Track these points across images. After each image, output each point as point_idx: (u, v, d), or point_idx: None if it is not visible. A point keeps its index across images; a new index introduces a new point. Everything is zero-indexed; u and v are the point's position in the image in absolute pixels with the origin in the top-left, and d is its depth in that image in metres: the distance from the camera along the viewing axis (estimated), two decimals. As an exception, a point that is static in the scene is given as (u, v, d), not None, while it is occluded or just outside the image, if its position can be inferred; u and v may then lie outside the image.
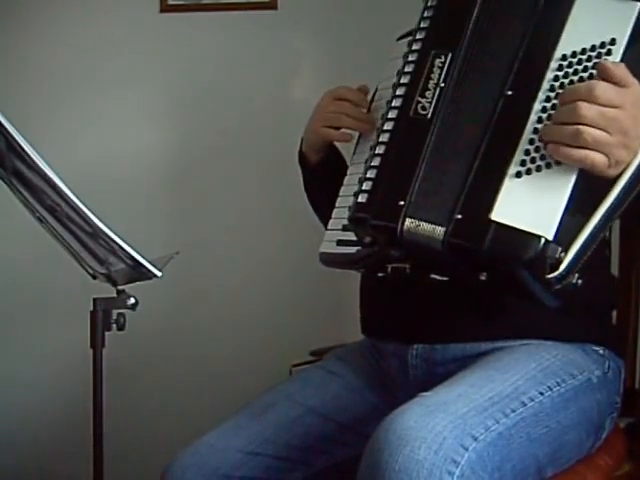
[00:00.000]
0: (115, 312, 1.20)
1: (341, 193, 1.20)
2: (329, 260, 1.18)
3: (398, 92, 1.07)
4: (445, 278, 1.06)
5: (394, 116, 1.06)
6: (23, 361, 2.05)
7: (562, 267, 0.91)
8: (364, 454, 0.92)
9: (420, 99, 1.04)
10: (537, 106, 0.95)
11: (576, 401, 1.07)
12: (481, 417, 0.95)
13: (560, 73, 0.95)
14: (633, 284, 1.37)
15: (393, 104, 1.07)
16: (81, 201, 1.08)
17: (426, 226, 0.98)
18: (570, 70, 0.94)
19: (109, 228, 1.10)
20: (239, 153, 2.04)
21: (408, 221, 1.00)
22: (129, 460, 1.93)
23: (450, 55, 1.03)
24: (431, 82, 1.04)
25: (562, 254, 0.91)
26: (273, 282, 2.05)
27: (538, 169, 0.93)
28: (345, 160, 1.33)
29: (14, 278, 2.02)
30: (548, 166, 0.93)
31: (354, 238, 1.09)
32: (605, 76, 0.89)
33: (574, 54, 0.94)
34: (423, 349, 1.19)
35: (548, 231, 0.90)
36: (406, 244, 1.01)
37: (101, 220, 1.09)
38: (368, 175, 1.05)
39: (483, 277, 0.97)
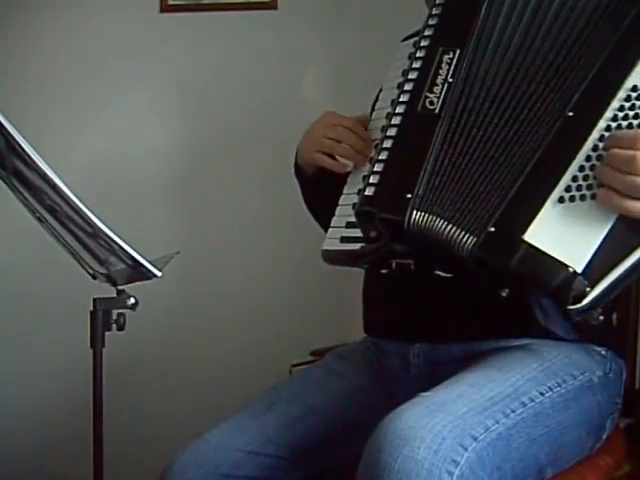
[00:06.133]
0: (115, 312, 1.19)
1: (345, 191, 1.17)
2: (332, 257, 1.15)
3: (406, 87, 1.06)
4: (449, 275, 1.05)
5: (401, 111, 1.05)
6: (23, 361, 2.05)
7: (585, 301, 0.90)
8: (363, 454, 0.92)
9: (428, 94, 1.03)
10: (595, 133, 0.92)
11: (577, 402, 1.07)
12: (481, 417, 0.95)
13: (627, 104, 0.92)
14: (633, 285, 1.37)
15: (401, 99, 1.06)
16: (81, 201, 1.08)
17: (449, 227, 0.97)
18: (638, 103, 0.92)
19: (109, 228, 1.10)
20: (238, 153, 2.04)
21: (418, 214, 0.99)
22: (129, 460, 1.93)
23: (458, 51, 1.03)
24: (439, 78, 1.03)
25: (587, 289, 0.90)
26: (273, 282, 2.05)
27: (582, 198, 0.92)
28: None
29: (14, 278, 2.02)
30: (593, 197, 0.91)
31: (358, 235, 1.08)
32: None
33: None
34: (425, 348, 1.19)
35: (578, 264, 0.89)
36: (413, 238, 1.00)
37: (101, 220, 1.09)
38: (375, 169, 1.04)
39: (504, 293, 0.97)
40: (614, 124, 0.92)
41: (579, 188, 0.92)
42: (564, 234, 0.91)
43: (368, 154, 1.13)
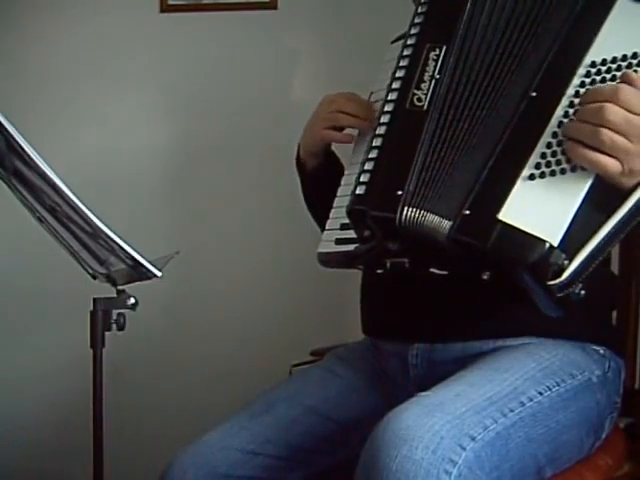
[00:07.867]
0: (115, 312, 1.20)
1: (339, 193, 1.19)
2: (327, 260, 1.17)
3: (394, 86, 1.07)
4: (444, 272, 1.06)
5: (390, 109, 1.06)
6: (23, 361, 2.05)
7: (565, 275, 0.90)
8: (362, 454, 0.92)
9: (416, 91, 1.04)
10: (559, 110, 0.94)
11: (575, 401, 1.07)
12: (479, 417, 0.95)
13: (587, 79, 0.94)
14: (633, 284, 1.37)
15: (389, 97, 1.07)
16: (81, 201, 1.08)
17: (432, 217, 0.98)
18: (598, 77, 0.94)
19: (109, 228, 1.10)
20: (239, 153, 2.04)
21: (409, 211, 1.00)
22: (129, 460, 1.93)
23: (445, 47, 1.04)
24: (426, 74, 1.04)
25: (566, 262, 0.90)
26: (273, 282, 2.05)
27: (552, 174, 0.93)
28: (343, 164, 1.33)
29: (14, 278, 2.02)
30: (562, 172, 0.93)
31: (353, 236, 1.08)
32: (630, 84, 0.89)
33: (604, 62, 0.94)
34: (423, 348, 1.19)
35: (554, 237, 0.90)
36: (405, 235, 1.01)
37: (101, 220, 1.10)
38: (366, 167, 1.05)
39: (485, 276, 0.97)
40: (577, 100, 0.94)
41: (548, 164, 0.93)
42: (538, 210, 0.92)
43: (371, 119, 1.16)
